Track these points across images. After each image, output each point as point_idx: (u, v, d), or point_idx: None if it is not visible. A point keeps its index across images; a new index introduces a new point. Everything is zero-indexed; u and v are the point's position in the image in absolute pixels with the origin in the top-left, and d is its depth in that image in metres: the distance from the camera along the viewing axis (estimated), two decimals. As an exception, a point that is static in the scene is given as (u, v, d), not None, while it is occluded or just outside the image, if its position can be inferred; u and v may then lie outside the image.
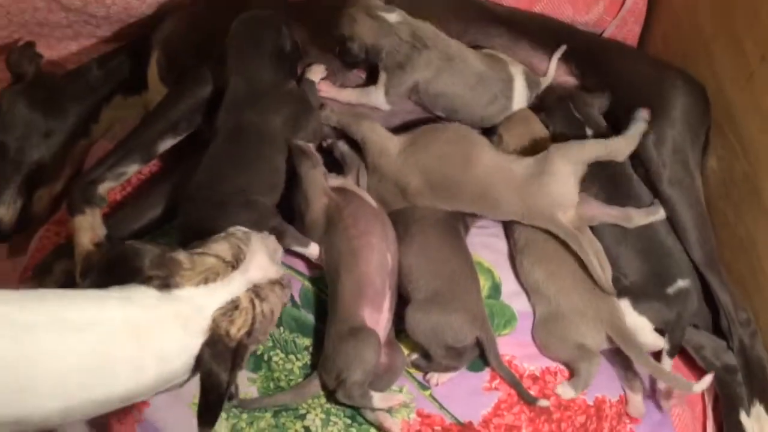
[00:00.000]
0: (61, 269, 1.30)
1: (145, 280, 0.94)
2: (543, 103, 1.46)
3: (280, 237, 1.16)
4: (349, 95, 1.42)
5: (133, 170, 1.38)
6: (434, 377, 1.25)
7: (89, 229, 1.26)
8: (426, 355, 1.24)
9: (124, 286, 0.94)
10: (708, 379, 1.23)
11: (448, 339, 1.21)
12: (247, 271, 1.00)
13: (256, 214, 1.22)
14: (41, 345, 0.85)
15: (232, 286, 0.98)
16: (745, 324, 1.29)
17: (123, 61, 1.56)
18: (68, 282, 1.29)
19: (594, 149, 1.30)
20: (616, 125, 1.40)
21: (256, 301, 0.99)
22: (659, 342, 1.28)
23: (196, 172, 1.28)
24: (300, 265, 1.35)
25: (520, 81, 1.44)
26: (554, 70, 1.49)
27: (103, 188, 1.33)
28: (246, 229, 1.07)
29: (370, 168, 1.38)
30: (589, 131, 1.40)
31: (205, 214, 1.22)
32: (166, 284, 0.94)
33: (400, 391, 1.24)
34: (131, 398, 0.93)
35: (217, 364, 0.94)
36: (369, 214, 1.28)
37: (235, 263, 0.99)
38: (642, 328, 1.27)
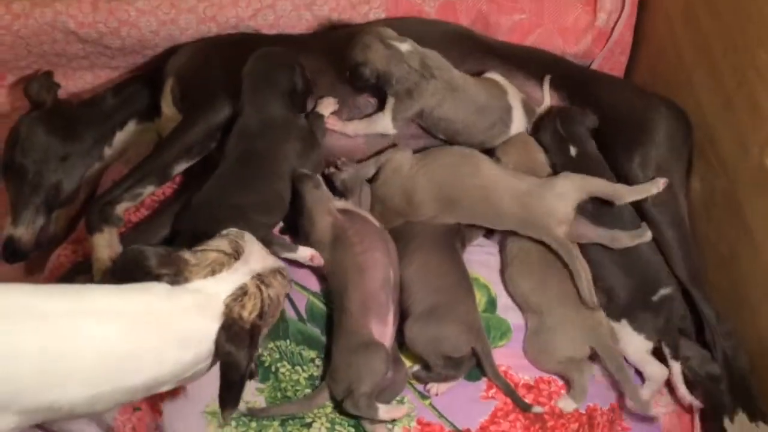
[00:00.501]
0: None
1: (155, 278, 1.01)
2: (535, 120, 1.54)
3: (267, 245, 1.22)
4: (356, 127, 1.49)
5: (149, 191, 1.45)
6: (434, 387, 1.30)
7: (107, 246, 1.33)
8: (426, 366, 1.30)
9: (139, 283, 1.00)
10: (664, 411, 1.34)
11: (446, 349, 1.27)
12: (249, 262, 1.06)
13: (244, 226, 1.26)
14: (65, 334, 0.91)
15: (238, 274, 1.04)
16: (728, 336, 1.35)
17: (136, 90, 1.64)
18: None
19: (599, 184, 1.38)
20: (603, 149, 1.48)
21: (262, 287, 1.05)
22: (663, 371, 1.34)
23: (202, 188, 1.36)
24: (306, 281, 1.41)
25: (518, 110, 1.52)
26: (549, 98, 1.57)
27: (120, 208, 1.40)
28: (237, 229, 1.13)
29: (377, 184, 1.45)
30: (573, 149, 1.47)
31: (201, 223, 1.29)
32: (176, 280, 1.01)
33: (402, 401, 1.29)
34: (156, 386, 0.99)
35: (235, 345, 0.99)
36: (372, 232, 1.35)
37: (236, 255, 1.06)
38: (643, 352, 1.34)
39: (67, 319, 0.91)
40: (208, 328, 0.99)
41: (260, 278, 1.06)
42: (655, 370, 1.34)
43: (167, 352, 0.97)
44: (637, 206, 1.41)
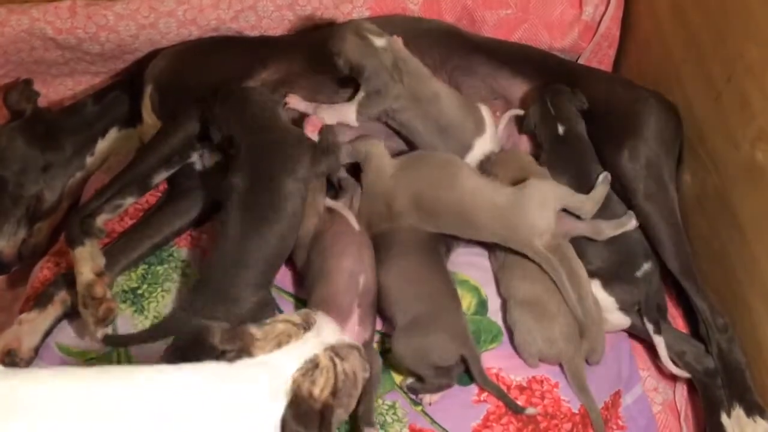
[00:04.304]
0: (62, 299, 1.34)
1: (219, 356, 0.92)
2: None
3: None
4: (320, 111, 1.45)
5: (129, 202, 1.43)
6: (426, 397, 1.28)
7: (89, 259, 1.30)
8: (418, 378, 1.28)
9: (196, 363, 0.91)
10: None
11: (434, 359, 1.25)
12: (321, 334, 0.96)
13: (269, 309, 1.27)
14: (112, 424, 0.82)
15: (308, 346, 0.93)
16: (723, 330, 1.33)
17: (117, 97, 1.61)
18: (70, 312, 1.34)
19: (566, 194, 1.36)
20: (593, 144, 1.47)
21: (337, 360, 0.94)
22: (624, 320, 1.36)
23: (217, 249, 1.28)
24: (292, 288, 1.41)
25: (477, 153, 1.46)
26: (503, 128, 1.53)
27: (100, 220, 1.37)
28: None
29: (365, 185, 1.43)
30: (560, 127, 1.47)
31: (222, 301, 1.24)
32: (239, 356, 0.91)
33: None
34: None
35: (303, 426, 0.88)
36: (348, 236, 1.34)
37: (306, 326, 0.96)
38: (608, 306, 1.35)
39: (122, 409, 0.83)
40: (273, 407, 0.88)
41: (334, 351, 0.94)
42: (616, 318, 1.35)
43: None
44: (627, 200, 1.40)
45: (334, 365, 0.93)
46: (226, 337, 0.93)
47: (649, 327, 1.35)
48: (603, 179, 1.38)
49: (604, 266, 1.37)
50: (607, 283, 1.36)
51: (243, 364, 0.90)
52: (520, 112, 1.55)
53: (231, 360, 0.91)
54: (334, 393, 0.93)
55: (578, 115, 1.49)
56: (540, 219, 1.32)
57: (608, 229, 1.36)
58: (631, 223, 1.37)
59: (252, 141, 1.34)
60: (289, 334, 0.94)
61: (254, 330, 0.94)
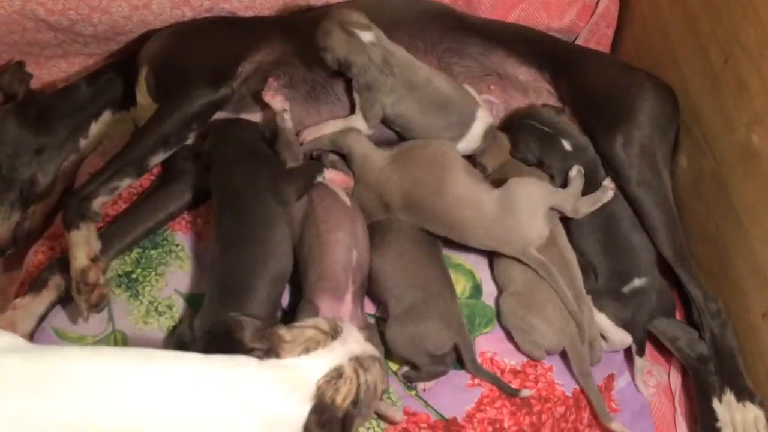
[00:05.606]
0: (56, 284, 1.33)
1: (246, 352, 0.94)
2: (509, 133, 1.48)
3: None
4: (332, 127, 1.44)
5: (126, 184, 1.41)
6: (421, 384, 1.28)
7: (85, 243, 1.29)
8: (414, 366, 1.28)
9: (227, 355, 0.93)
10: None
11: (428, 347, 1.24)
12: (347, 342, 0.98)
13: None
14: (143, 404, 0.86)
15: (335, 354, 0.96)
16: (716, 315, 1.34)
17: (111, 79, 1.60)
18: (65, 296, 1.33)
19: (551, 193, 1.33)
20: (586, 129, 1.45)
21: (360, 371, 0.97)
22: (625, 338, 1.33)
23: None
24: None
25: (479, 126, 1.43)
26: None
27: (97, 203, 1.36)
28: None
29: (356, 177, 1.42)
30: (566, 143, 1.42)
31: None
32: (267, 356, 0.94)
33: (386, 390, 1.27)
34: None
35: None
36: (340, 210, 1.33)
37: (333, 334, 0.99)
38: (604, 325, 1.33)
39: (147, 389, 0.86)
40: (297, 410, 0.91)
41: (358, 361, 0.97)
42: (616, 335, 1.33)
43: (250, 429, 0.89)
44: (621, 186, 1.39)
45: (357, 376, 0.96)
46: (256, 335, 0.96)
47: (633, 348, 1.34)
48: (576, 173, 1.35)
49: (598, 276, 1.35)
50: (596, 299, 1.33)
51: (271, 364, 0.93)
52: (494, 100, 1.52)
53: (259, 358, 0.94)
54: (355, 403, 0.95)
55: (576, 128, 1.44)
56: (532, 230, 1.31)
57: (584, 207, 1.35)
58: (607, 194, 1.35)
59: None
60: (317, 341, 0.96)
61: (283, 332, 0.97)
